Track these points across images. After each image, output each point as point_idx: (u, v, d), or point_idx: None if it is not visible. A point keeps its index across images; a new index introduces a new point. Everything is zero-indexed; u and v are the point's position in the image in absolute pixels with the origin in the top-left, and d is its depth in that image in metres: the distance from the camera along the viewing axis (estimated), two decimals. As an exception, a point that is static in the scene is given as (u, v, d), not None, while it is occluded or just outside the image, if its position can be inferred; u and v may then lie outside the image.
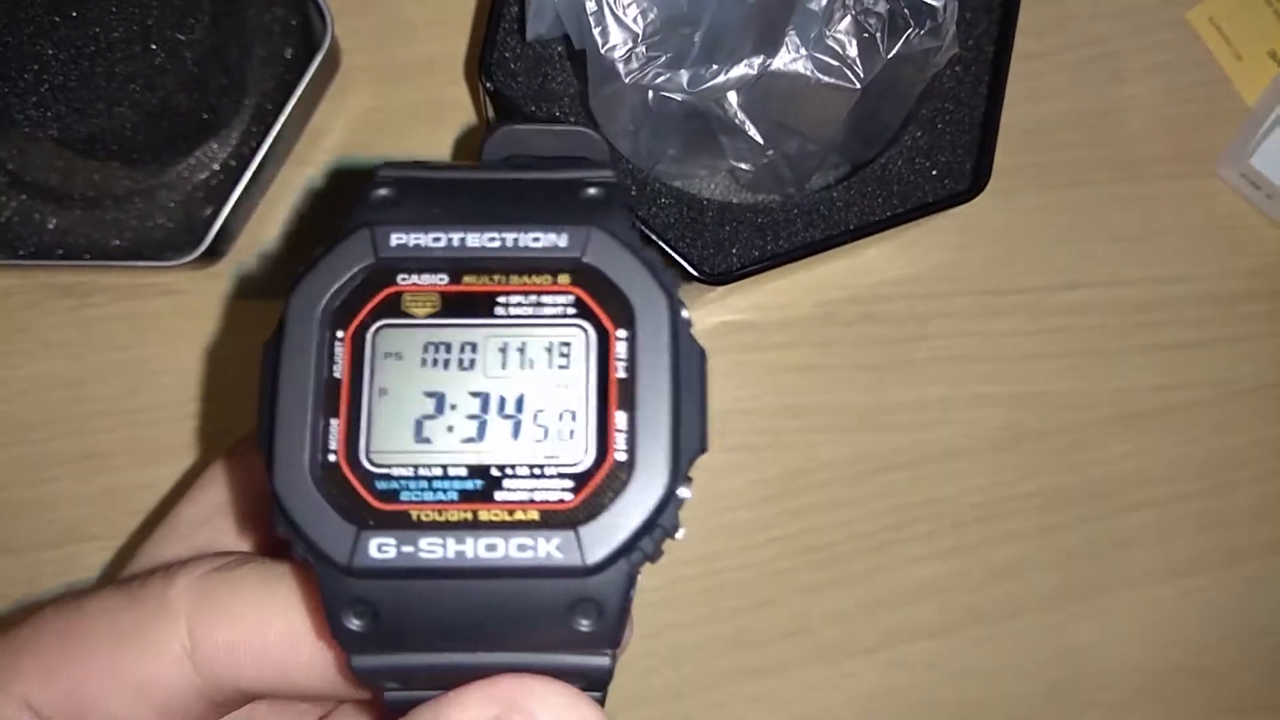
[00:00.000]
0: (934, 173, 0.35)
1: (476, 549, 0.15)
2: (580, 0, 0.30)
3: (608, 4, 0.29)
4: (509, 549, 0.15)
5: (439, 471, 0.16)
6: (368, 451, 0.16)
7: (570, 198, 0.17)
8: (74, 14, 0.34)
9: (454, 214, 0.17)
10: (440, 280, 0.16)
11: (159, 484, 0.39)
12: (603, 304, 0.17)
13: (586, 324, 0.17)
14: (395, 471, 0.16)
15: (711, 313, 0.41)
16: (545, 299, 0.17)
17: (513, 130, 0.19)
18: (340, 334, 0.16)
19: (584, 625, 0.16)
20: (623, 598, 0.16)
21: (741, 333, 0.41)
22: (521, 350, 0.16)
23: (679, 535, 0.17)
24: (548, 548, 0.15)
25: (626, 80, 0.30)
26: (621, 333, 0.17)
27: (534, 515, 0.16)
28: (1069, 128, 0.43)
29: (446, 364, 0.16)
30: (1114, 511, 0.42)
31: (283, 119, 0.36)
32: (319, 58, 0.37)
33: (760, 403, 0.41)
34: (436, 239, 0.17)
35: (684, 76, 0.30)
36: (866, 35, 0.30)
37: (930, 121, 0.35)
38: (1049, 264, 0.43)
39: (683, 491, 0.17)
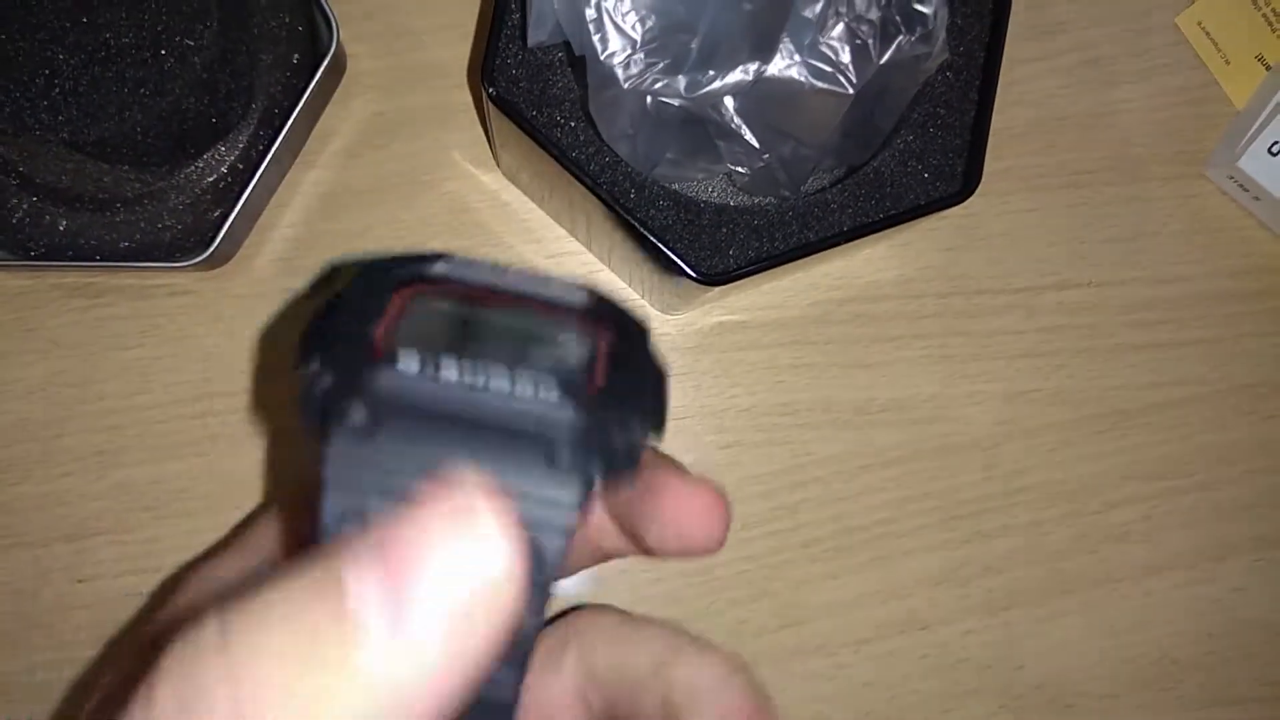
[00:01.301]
0: (926, 175, 0.36)
1: (487, 380, 0.18)
2: (580, 8, 0.30)
3: (607, 12, 0.30)
4: (516, 385, 0.18)
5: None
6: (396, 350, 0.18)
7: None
8: (85, 20, 0.35)
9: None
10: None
11: (168, 479, 0.39)
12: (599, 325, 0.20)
13: (583, 332, 0.20)
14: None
15: (708, 313, 0.42)
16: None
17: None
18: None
19: (562, 420, 0.18)
20: (601, 408, 0.18)
21: (738, 332, 0.42)
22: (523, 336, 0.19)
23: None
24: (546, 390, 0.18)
25: (625, 86, 0.31)
26: (609, 335, 0.20)
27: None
28: (1060, 131, 0.44)
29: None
30: (1105, 507, 0.43)
31: (290, 123, 0.37)
32: (325, 63, 0.37)
33: (756, 400, 0.42)
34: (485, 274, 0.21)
35: (681, 82, 0.31)
36: (859, 42, 0.31)
37: (923, 125, 0.36)
38: (1041, 265, 0.44)
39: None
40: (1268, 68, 0.45)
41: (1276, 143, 0.43)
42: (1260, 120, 0.43)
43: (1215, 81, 0.45)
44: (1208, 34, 0.45)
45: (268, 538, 0.25)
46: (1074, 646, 0.42)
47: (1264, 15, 0.46)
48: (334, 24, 0.37)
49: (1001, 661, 0.42)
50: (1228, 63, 0.45)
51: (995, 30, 0.36)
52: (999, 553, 0.42)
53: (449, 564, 0.14)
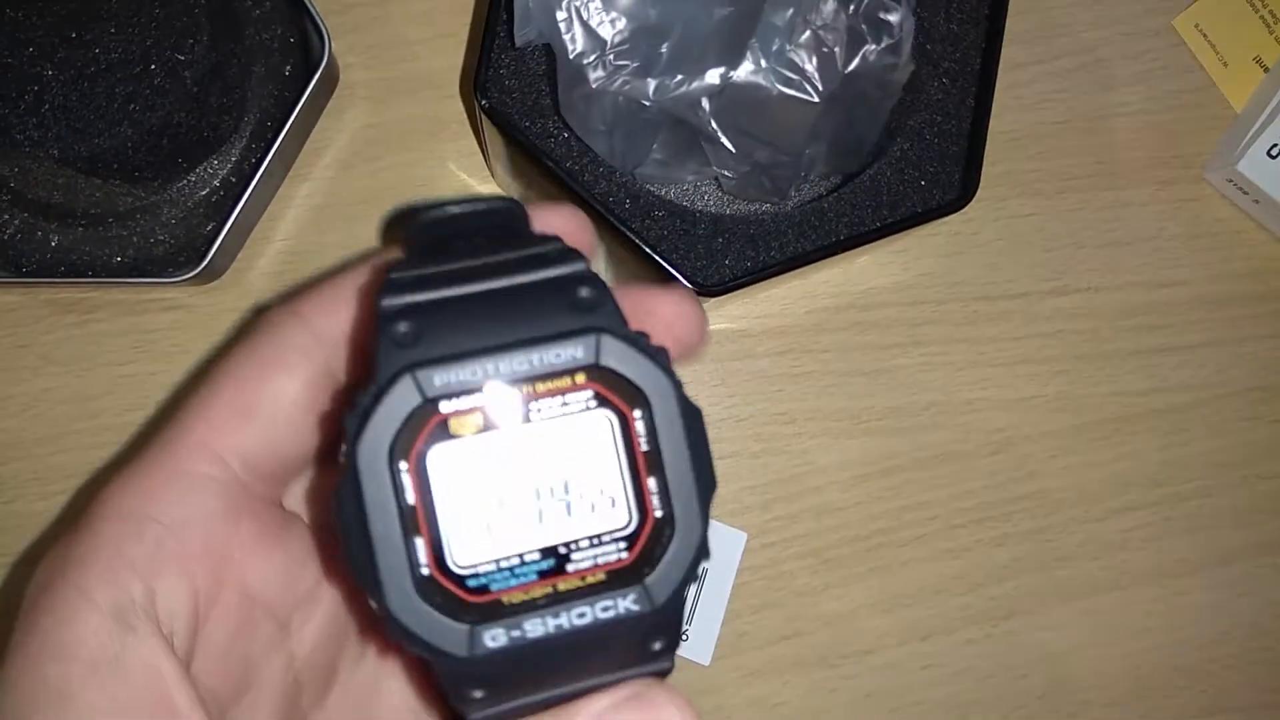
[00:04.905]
0: (923, 183, 0.35)
1: (570, 618, 0.19)
2: (552, 9, 0.30)
3: (577, 12, 0.30)
4: (595, 612, 0.19)
5: (516, 560, 0.19)
6: (453, 558, 0.19)
7: (569, 300, 0.20)
8: (74, 35, 0.35)
9: (479, 341, 0.19)
10: (479, 401, 0.19)
11: (163, 496, 0.39)
12: (617, 393, 0.20)
13: (608, 411, 0.19)
14: (480, 569, 0.19)
15: (706, 322, 0.42)
16: (569, 397, 0.19)
17: (440, 216, 0.21)
18: (404, 465, 0.19)
19: (657, 646, 0.19)
20: (680, 615, 0.19)
21: (735, 341, 0.42)
22: (558, 444, 0.19)
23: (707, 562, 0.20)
24: (625, 604, 0.19)
25: (594, 86, 0.31)
26: (638, 413, 0.19)
27: (602, 576, 0.19)
28: (1058, 135, 0.44)
29: (497, 469, 0.19)
30: (1106, 514, 0.43)
31: (282, 135, 0.37)
32: (317, 75, 0.37)
33: (753, 410, 0.41)
34: (473, 372, 0.19)
35: (650, 85, 0.31)
36: (825, 50, 0.30)
37: (919, 133, 0.35)
38: (1039, 270, 0.43)
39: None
40: (1266, 69, 0.45)
41: (1276, 145, 0.42)
42: (1259, 122, 0.43)
43: (1213, 84, 0.45)
44: (1205, 36, 0.45)
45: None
46: (1076, 655, 0.42)
47: (1262, 17, 0.45)
48: (326, 36, 0.37)
49: (1004, 671, 0.41)
50: (1225, 65, 0.45)
51: (991, 37, 0.36)
52: (1000, 561, 0.42)
53: None
